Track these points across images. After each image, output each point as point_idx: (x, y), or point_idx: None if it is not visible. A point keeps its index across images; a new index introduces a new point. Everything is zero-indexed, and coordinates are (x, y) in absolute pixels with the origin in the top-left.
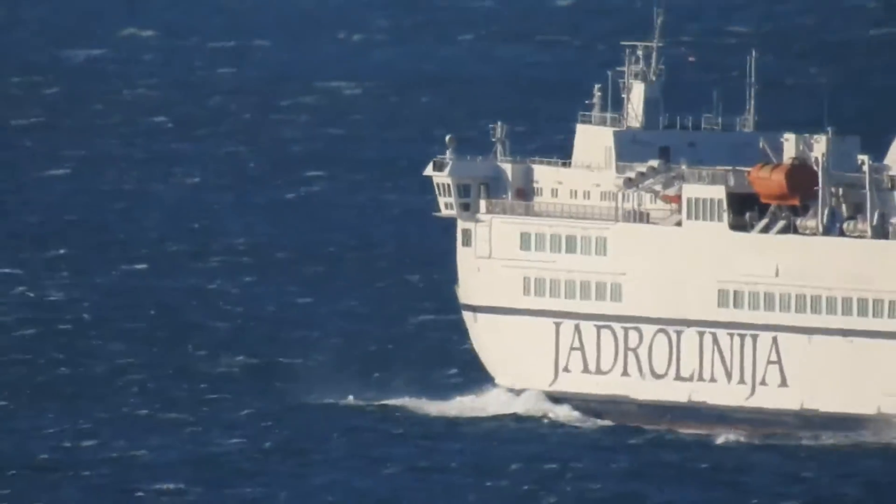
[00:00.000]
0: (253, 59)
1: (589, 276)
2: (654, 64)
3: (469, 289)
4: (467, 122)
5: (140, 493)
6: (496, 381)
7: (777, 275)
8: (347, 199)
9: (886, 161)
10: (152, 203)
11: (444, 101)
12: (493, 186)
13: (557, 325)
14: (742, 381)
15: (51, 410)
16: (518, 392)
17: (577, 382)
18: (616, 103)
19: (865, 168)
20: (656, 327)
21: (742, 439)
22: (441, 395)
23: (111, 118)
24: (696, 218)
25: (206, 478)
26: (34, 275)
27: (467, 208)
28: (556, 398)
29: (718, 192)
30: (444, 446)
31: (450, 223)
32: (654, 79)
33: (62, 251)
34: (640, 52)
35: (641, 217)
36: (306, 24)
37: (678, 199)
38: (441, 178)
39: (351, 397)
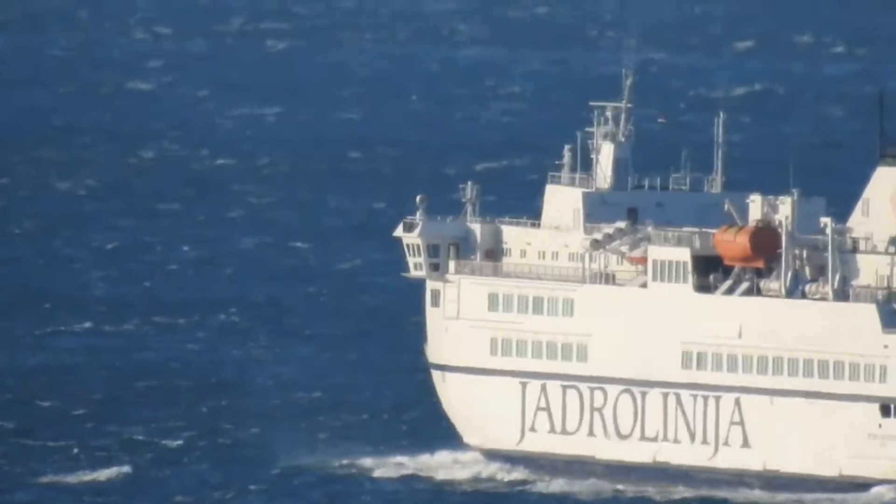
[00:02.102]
0: None
1: (556, 337)
2: (623, 124)
3: (437, 349)
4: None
5: None
6: (464, 440)
7: (740, 336)
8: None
9: (849, 223)
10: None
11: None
12: (463, 247)
13: (524, 384)
14: (705, 441)
15: None
16: (487, 452)
17: (544, 442)
18: (586, 164)
19: (828, 231)
20: (621, 387)
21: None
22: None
23: None
24: (661, 280)
25: None
26: None
27: (437, 269)
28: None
29: (683, 255)
30: None
31: (419, 284)
32: (622, 139)
33: None
34: (609, 113)
35: (608, 278)
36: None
37: (644, 260)
38: (411, 238)
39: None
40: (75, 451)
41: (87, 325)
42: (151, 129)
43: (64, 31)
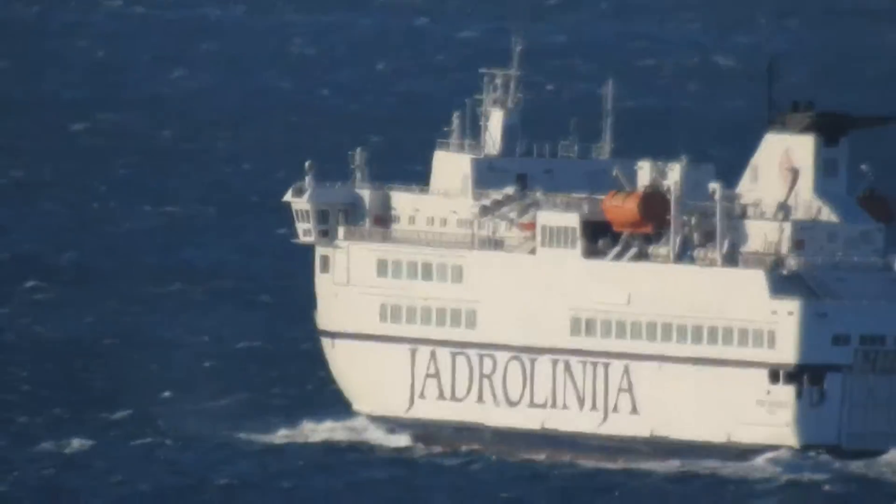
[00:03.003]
0: None
1: (445, 304)
2: (512, 92)
3: (327, 315)
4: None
5: None
6: (354, 407)
7: (629, 302)
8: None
9: (738, 189)
10: None
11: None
12: (352, 213)
13: (413, 351)
14: (594, 408)
15: None
16: (376, 419)
17: (433, 409)
18: (474, 131)
19: (717, 196)
20: (510, 354)
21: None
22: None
23: None
24: (550, 245)
25: None
26: None
27: (326, 234)
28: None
29: (572, 220)
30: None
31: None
32: (512, 107)
33: None
34: (498, 81)
35: (497, 244)
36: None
37: (533, 226)
38: (300, 204)
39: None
40: None
41: None
42: None
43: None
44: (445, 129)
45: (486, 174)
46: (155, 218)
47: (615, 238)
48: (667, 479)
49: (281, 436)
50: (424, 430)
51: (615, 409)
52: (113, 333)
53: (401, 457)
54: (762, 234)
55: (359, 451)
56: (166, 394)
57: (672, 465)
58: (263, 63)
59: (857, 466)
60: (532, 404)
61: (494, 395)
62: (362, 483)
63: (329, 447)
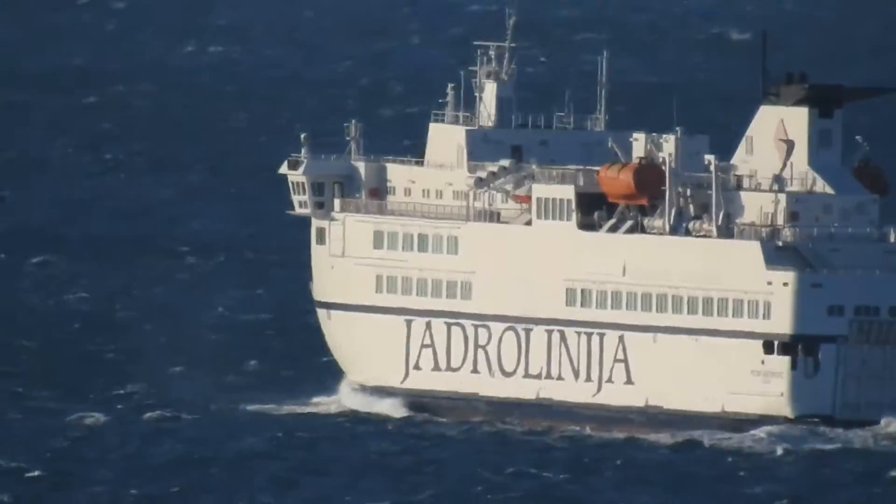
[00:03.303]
0: None
1: (440, 275)
2: (506, 64)
3: (323, 286)
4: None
5: None
6: (349, 377)
7: (624, 274)
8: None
9: (733, 161)
10: None
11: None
12: (348, 185)
13: (409, 322)
14: (589, 378)
15: None
16: (371, 390)
17: (428, 379)
18: (469, 103)
19: (712, 168)
20: (505, 325)
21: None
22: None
23: None
24: (546, 217)
25: None
26: None
27: (321, 206)
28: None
29: (567, 192)
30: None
31: (304, 221)
32: (506, 78)
33: None
34: (492, 53)
35: (492, 216)
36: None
37: (528, 198)
38: (296, 176)
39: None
40: None
41: None
42: None
43: None
44: (440, 101)
45: (480, 146)
46: (165, 189)
47: (610, 210)
48: (670, 449)
49: (289, 408)
50: (420, 401)
51: (610, 379)
52: (124, 306)
53: (407, 428)
54: (757, 205)
55: (369, 423)
56: (177, 368)
57: (677, 436)
58: (272, 36)
59: (854, 436)
60: (527, 375)
61: (489, 366)
62: (372, 454)
63: (337, 419)
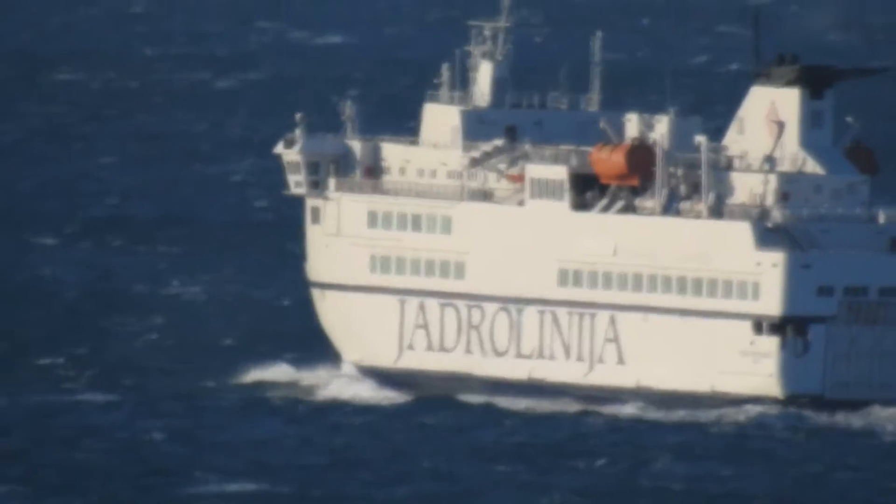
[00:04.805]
0: None
1: (434, 255)
2: (501, 44)
3: (317, 266)
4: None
5: None
6: (343, 357)
7: (615, 254)
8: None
9: (725, 142)
10: None
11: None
12: (343, 164)
13: (402, 302)
14: (580, 358)
15: None
16: (365, 369)
17: (422, 359)
18: (464, 83)
19: (703, 149)
20: (498, 305)
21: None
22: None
23: None
24: (539, 197)
25: None
26: None
27: (316, 186)
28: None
29: (560, 172)
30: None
31: (299, 201)
32: (500, 58)
33: None
34: (487, 32)
35: (486, 196)
36: None
37: (521, 178)
38: (291, 155)
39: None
40: None
41: None
42: None
43: None
44: (435, 80)
45: (475, 126)
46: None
47: (603, 190)
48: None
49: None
50: (413, 381)
51: (601, 359)
52: (115, 286)
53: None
54: (748, 186)
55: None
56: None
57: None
58: (263, 11)
59: (845, 417)
60: (519, 355)
61: (482, 346)
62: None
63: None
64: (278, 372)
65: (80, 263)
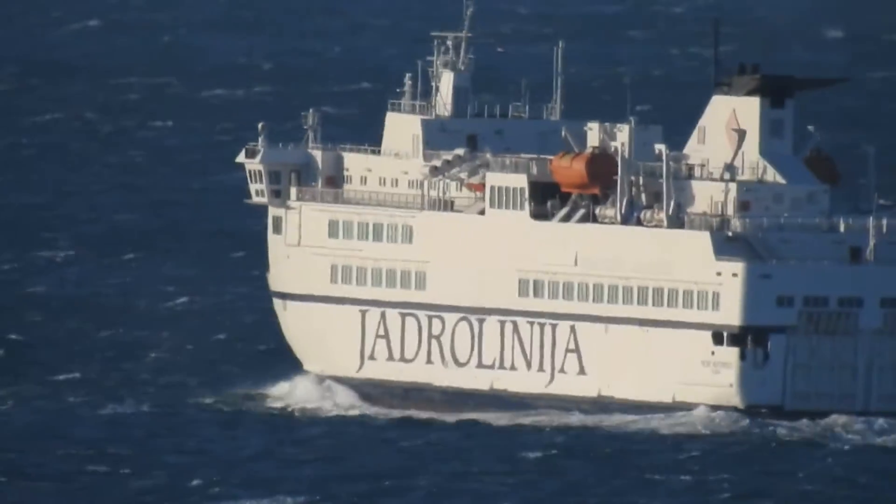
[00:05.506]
0: None
1: (395, 264)
2: (462, 54)
3: (279, 276)
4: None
5: None
6: (305, 367)
7: (576, 264)
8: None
9: (686, 150)
10: None
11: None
12: (305, 174)
13: (363, 312)
14: (542, 368)
15: None
16: (324, 379)
17: (383, 369)
18: (426, 93)
19: (664, 157)
20: (459, 315)
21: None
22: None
23: None
24: (499, 206)
25: None
26: None
27: (278, 195)
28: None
29: (521, 181)
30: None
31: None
32: (462, 68)
33: None
34: (449, 43)
35: (446, 205)
36: None
37: (482, 187)
38: (253, 164)
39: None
40: None
41: None
42: None
43: None
44: (398, 90)
45: (436, 135)
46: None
47: (564, 199)
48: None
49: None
50: (374, 391)
51: (562, 369)
52: (103, 294)
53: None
54: (708, 195)
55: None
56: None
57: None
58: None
59: (802, 426)
60: (480, 365)
61: (443, 356)
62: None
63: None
64: (266, 385)
65: (75, 276)
